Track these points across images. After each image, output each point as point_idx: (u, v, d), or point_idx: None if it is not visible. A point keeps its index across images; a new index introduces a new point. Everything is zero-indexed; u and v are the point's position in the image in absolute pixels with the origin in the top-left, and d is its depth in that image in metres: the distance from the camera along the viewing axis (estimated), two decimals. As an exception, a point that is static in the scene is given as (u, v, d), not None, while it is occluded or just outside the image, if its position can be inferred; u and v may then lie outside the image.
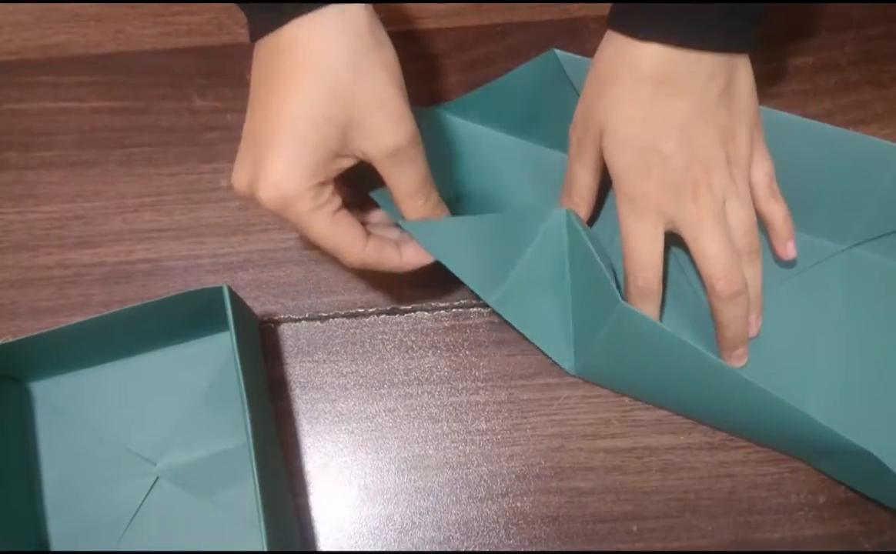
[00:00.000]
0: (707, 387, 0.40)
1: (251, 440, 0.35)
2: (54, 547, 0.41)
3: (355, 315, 0.45)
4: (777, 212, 0.41)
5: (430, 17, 0.49)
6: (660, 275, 0.40)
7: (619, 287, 0.41)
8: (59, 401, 0.43)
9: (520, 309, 0.42)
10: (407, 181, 0.37)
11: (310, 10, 0.33)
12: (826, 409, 0.42)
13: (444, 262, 0.39)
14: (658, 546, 0.42)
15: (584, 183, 0.42)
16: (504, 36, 0.49)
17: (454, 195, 0.45)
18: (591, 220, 0.45)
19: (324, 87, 0.33)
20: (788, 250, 0.42)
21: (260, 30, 0.34)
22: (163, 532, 0.41)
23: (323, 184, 0.35)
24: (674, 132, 0.38)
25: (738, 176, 0.39)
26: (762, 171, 0.40)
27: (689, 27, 0.36)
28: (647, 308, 0.41)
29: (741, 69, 0.39)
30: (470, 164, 0.47)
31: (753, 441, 0.43)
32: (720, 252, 0.38)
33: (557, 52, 0.41)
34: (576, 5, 0.49)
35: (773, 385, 0.43)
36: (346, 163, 0.35)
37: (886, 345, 0.43)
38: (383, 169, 0.36)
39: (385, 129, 0.34)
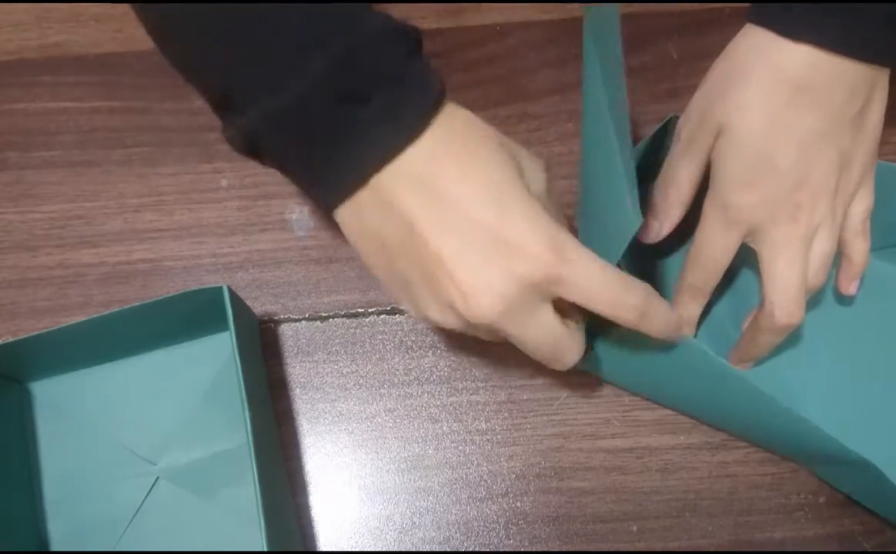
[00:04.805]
0: (707, 388, 0.39)
1: (251, 440, 0.35)
2: (54, 547, 0.41)
3: (355, 315, 0.45)
4: (860, 249, 0.39)
5: (430, 17, 0.49)
6: (718, 280, 0.39)
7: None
8: (59, 401, 0.43)
9: None
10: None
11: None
12: (827, 412, 0.42)
13: None
14: (658, 546, 0.42)
15: (686, 181, 0.38)
16: (504, 36, 0.49)
17: None
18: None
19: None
20: (852, 288, 0.41)
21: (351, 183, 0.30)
22: (163, 532, 0.41)
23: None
24: (794, 148, 0.35)
25: (839, 207, 0.37)
26: (862, 206, 0.38)
27: (848, 28, 0.33)
28: (692, 306, 0.40)
29: (880, 90, 0.36)
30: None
31: (753, 443, 0.43)
32: (792, 282, 0.36)
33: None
34: (576, 5, 0.49)
35: (774, 387, 0.43)
36: None
37: (890, 350, 0.43)
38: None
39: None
